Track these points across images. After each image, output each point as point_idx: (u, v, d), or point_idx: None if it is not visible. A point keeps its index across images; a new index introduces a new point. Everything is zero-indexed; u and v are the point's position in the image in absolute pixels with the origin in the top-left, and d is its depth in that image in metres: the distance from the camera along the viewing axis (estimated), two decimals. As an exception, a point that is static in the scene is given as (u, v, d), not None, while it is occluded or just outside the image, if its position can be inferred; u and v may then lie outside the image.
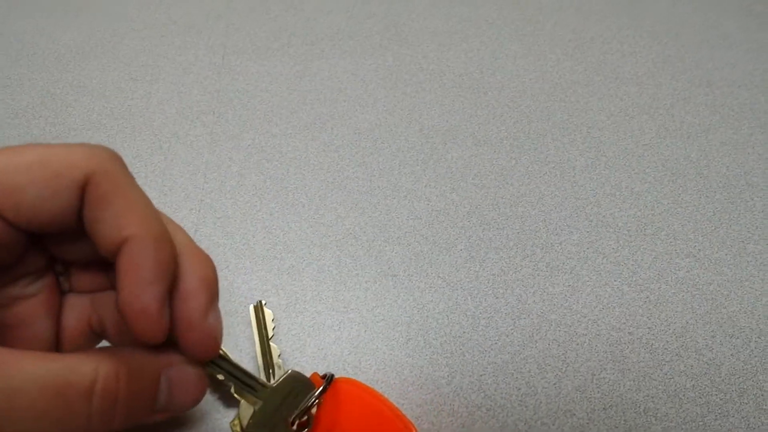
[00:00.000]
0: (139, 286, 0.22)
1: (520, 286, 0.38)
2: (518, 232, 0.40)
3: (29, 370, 0.20)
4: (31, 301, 0.26)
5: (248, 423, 0.28)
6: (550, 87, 0.51)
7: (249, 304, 0.36)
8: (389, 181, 0.44)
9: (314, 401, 0.29)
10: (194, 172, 0.45)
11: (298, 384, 0.29)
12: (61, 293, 0.27)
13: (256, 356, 0.33)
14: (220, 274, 0.35)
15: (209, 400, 0.33)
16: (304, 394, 0.29)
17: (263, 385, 0.29)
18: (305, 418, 0.29)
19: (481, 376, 0.34)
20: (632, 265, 0.39)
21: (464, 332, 0.35)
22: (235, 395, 0.30)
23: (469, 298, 0.37)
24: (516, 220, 0.41)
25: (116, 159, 0.23)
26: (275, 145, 0.47)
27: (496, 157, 0.46)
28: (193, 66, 0.53)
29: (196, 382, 0.25)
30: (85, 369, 0.21)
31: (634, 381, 0.34)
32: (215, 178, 0.45)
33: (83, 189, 0.22)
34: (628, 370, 0.34)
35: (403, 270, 0.39)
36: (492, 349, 0.35)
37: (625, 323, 0.36)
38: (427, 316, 0.36)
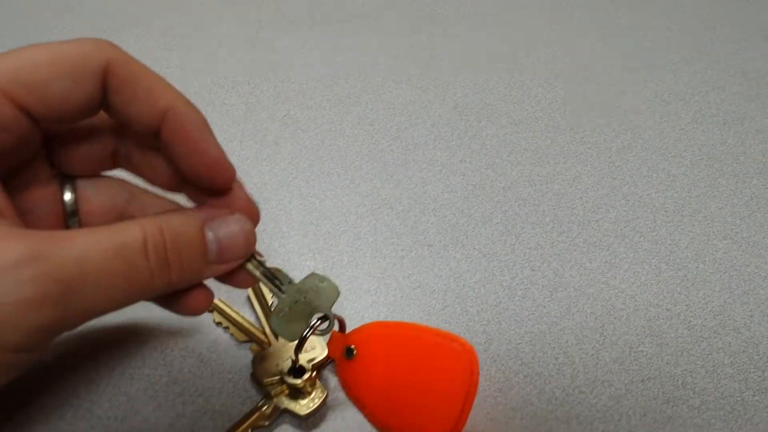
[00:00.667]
0: (202, 142, 0.25)
1: (557, 260, 0.38)
2: (554, 209, 0.40)
3: (87, 241, 0.21)
4: (43, 188, 0.27)
5: (272, 313, 0.29)
6: (585, 70, 0.51)
7: (287, 266, 0.36)
8: (424, 155, 0.44)
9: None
10: (230, 140, 0.45)
11: (320, 284, 0.30)
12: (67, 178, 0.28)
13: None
14: (258, 238, 0.35)
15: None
16: (324, 293, 0.30)
17: (290, 282, 0.29)
18: (325, 318, 0.30)
19: (518, 344, 0.34)
20: (669, 244, 0.39)
21: (500, 302, 0.35)
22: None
23: (505, 269, 0.37)
24: (552, 197, 0.41)
25: (119, 47, 0.24)
26: (310, 117, 0.47)
27: (531, 136, 0.45)
28: (228, 38, 0.53)
29: (240, 229, 0.26)
30: (133, 230, 0.23)
31: (672, 355, 0.33)
32: (251, 146, 0.45)
33: (104, 77, 0.23)
34: (666, 344, 0.34)
35: (438, 240, 0.39)
36: (529, 319, 0.35)
37: (662, 300, 0.36)
38: (463, 285, 0.36)
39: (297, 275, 0.34)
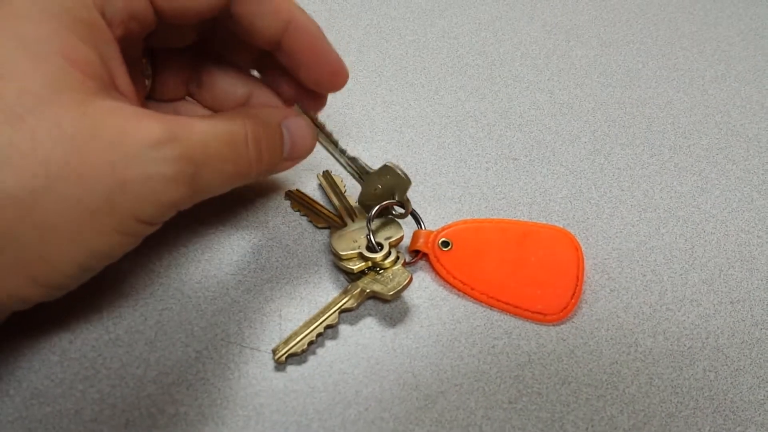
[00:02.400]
0: (324, 51, 0.28)
1: (647, 181, 0.37)
2: (645, 132, 0.39)
3: (205, 128, 0.24)
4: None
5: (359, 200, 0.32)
6: (678, 1, 0.49)
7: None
8: (510, 72, 0.43)
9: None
10: (313, 44, 0.44)
11: (392, 173, 0.31)
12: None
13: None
14: (342, 141, 0.36)
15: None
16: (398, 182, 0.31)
17: (367, 172, 0.32)
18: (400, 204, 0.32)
19: (605, 259, 0.33)
20: (762, 173, 0.37)
21: (587, 218, 0.35)
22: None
23: (593, 187, 0.36)
24: (643, 120, 0.40)
25: None
26: (394, 27, 0.46)
27: (622, 59, 0.44)
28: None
29: (308, 130, 0.29)
30: (238, 123, 0.25)
31: (761, 280, 0.33)
32: (334, 52, 0.44)
33: None
34: (756, 270, 0.33)
35: (524, 155, 0.38)
36: (617, 237, 0.34)
37: (754, 227, 0.35)
38: (549, 200, 0.36)
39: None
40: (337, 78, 0.29)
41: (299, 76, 0.29)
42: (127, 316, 0.30)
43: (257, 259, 0.32)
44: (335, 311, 0.30)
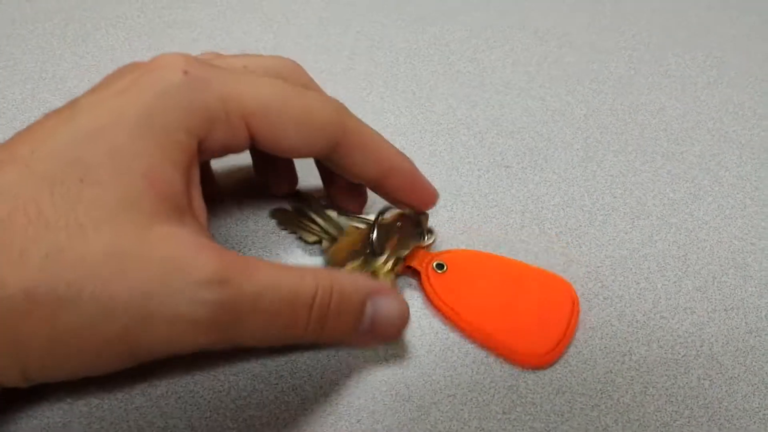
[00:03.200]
0: (421, 189, 0.30)
1: (640, 188, 0.37)
2: (637, 139, 0.39)
3: (268, 277, 0.22)
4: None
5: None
6: (670, 6, 0.49)
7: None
8: (501, 79, 0.43)
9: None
10: (304, 52, 0.45)
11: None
12: None
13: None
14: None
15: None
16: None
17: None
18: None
19: (597, 267, 0.33)
20: (755, 180, 0.37)
21: (580, 226, 0.35)
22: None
23: (585, 195, 0.36)
24: (635, 127, 0.40)
25: (351, 113, 0.28)
26: (385, 35, 0.46)
27: (614, 66, 0.44)
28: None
29: (400, 314, 0.26)
30: (309, 282, 0.23)
31: (756, 287, 0.33)
32: (324, 60, 0.44)
33: (336, 143, 0.26)
34: (750, 277, 0.33)
35: (516, 162, 0.38)
36: (610, 244, 0.34)
37: (747, 233, 0.35)
38: (541, 207, 0.35)
39: None
40: (429, 204, 0.31)
41: (393, 203, 0.31)
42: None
43: (247, 269, 0.32)
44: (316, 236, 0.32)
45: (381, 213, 0.31)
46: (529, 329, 0.29)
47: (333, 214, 0.34)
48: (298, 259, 0.33)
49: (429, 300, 0.31)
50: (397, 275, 0.32)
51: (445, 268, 0.31)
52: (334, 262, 0.30)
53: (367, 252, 0.31)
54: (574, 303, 0.30)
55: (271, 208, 0.34)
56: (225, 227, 0.34)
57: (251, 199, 0.35)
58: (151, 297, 0.20)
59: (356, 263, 0.30)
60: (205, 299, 0.20)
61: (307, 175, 0.34)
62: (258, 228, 0.34)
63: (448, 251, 0.32)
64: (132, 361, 0.22)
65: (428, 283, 0.31)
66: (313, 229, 0.33)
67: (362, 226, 0.32)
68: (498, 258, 0.32)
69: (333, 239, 0.32)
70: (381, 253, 0.31)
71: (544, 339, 0.29)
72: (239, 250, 0.33)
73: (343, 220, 0.33)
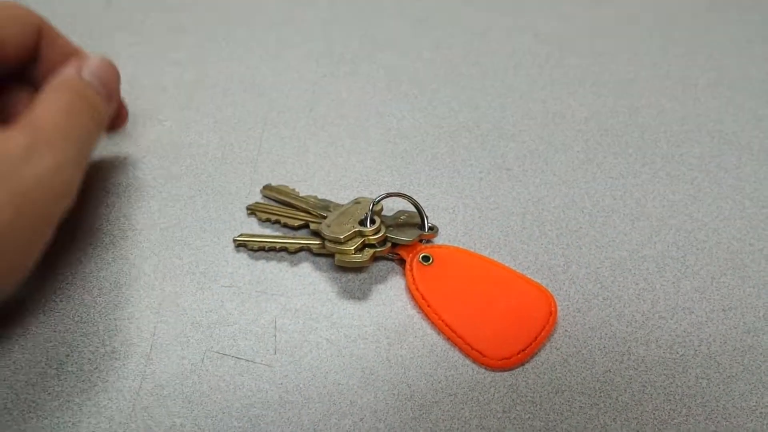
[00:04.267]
0: (107, 64, 0.32)
1: (639, 190, 0.37)
2: (638, 141, 0.40)
3: (48, 110, 0.28)
4: None
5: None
6: (670, 6, 0.49)
7: (363, 182, 0.37)
8: (503, 82, 0.43)
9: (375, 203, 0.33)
10: (307, 56, 0.45)
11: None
12: None
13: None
14: (336, 152, 0.39)
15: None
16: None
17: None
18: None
19: (597, 268, 0.33)
20: (754, 182, 0.38)
21: (581, 227, 0.35)
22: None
23: (586, 197, 0.37)
24: (635, 129, 0.40)
25: None
26: (388, 38, 0.47)
27: (615, 68, 0.45)
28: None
29: (103, 62, 0.31)
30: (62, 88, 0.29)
31: (754, 288, 0.33)
32: (327, 64, 0.45)
33: (40, 30, 0.31)
34: (749, 277, 0.33)
35: (517, 165, 0.38)
36: (610, 246, 0.34)
37: (746, 235, 0.35)
38: (542, 210, 0.36)
39: (375, 190, 0.37)
40: (123, 119, 0.36)
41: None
42: (123, 329, 0.30)
43: (252, 271, 0.33)
44: (297, 242, 0.33)
45: (383, 196, 0.33)
46: (495, 333, 0.30)
47: (312, 198, 0.36)
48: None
49: (408, 289, 0.32)
50: (382, 257, 0.33)
51: (431, 261, 0.32)
52: (337, 232, 0.31)
53: (360, 221, 0.32)
54: (551, 314, 0.31)
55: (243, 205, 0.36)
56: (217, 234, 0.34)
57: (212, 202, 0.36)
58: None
59: (351, 232, 0.32)
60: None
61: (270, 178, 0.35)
62: (241, 226, 0.34)
63: (438, 246, 0.33)
64: None
65: (410, 272, 0.32)
66: (297, 215, 0.35)
67: (360, 203, 0.34)
68: (486, 260, 0.33)
69: (322, 217, 0.34)
70: (373, 222, 0.32)
71: (507, 344, 0.30)
72: (245, 253, 0.33)
73: (323, 202, 0.36)
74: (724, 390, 0.29)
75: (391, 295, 0.32)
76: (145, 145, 0.38)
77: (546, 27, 0.47)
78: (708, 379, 0.29)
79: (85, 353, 0.29)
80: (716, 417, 0.28)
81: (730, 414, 0.28)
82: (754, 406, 0.29)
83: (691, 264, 0.34)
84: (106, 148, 0.38)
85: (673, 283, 0.33)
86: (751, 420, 0.28)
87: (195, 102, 0.41)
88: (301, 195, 0.35)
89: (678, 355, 0.30)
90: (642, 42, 0.47)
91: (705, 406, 0.29)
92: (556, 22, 0.48)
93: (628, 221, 0.35)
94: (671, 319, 0.31)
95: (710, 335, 0.31)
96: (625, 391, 0.29)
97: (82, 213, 0.35)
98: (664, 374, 0.30)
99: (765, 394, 0.29)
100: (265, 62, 0.44)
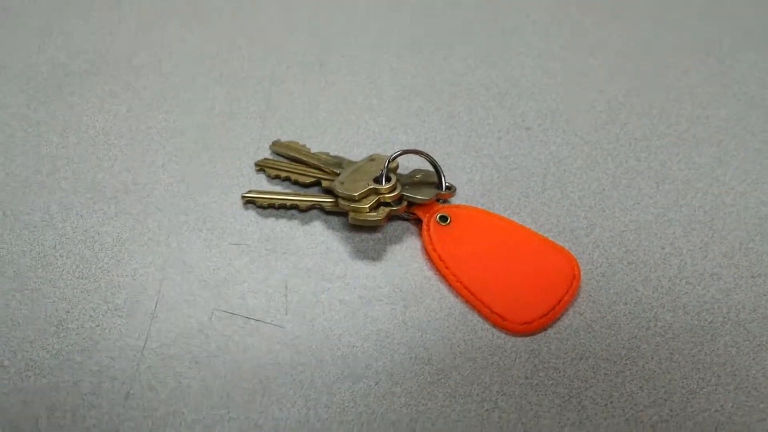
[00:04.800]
0: None
1: (664, 152, 0.35)
2: (662, 101, 0.38)
3: None
4: None
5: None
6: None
7: (377, 140, 0.35)
8: (522, 39, 0.42)
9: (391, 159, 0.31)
10: (318, 11, 0.43)
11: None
12: None
13: None
14: (348, 109, 0.36)
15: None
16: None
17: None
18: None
19: (622, 231, 0.32)
20: (783, 146, 0.36)
21: (604, 189, 0.34)
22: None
23: (609, 158, 0.35)
24: (660, 89, 0.39)
25: None
26: (401, -6, 0.44)
27: (636, 30, 0.43)
28: None
29: None
30: None
31: (784, 255, 0.31)
32: (339, 20, 0.43)
33: None
34: (779, 244, 0.32)
35: (537, 124, 0.37)
36: (634, 208, 0.33)
37: (775, 200, 0.33)
38: (564, 170, 0.34)
39: (388, 148, 0.35)
40: None
41: None
42: (126, 285, 0.28)
43: (261, 229, 0.31)
44: (309, 200, 0.32)
45: (399, 154, 0.32)
46: (516, 296, 0.29)
47: (323, 155, 0.34)
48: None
49: (424, 248, 0.30)
50: (397, 216, 0.32)
51: (448, 221, 0.31)
52: (351, 189, 0.30)
53: (375, 179, 0.31)
54: (575, 278, 0.29)
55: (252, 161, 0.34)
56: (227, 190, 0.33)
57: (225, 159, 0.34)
58: None
59: (366, 189, 0.30)
60: None
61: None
62: (249, 182, 0.33)
63: (456, 206, 0.32)
64: None
65: (427, 232, 0.30)
66: (308, 171, 0.33)
67: (375, 160, 0.33)
68: (506, 221, 0.32)
69: (335, 174, 0.32)
70: (389, 180, 0.31)
71: (529, 308, 0.29)
72: (255, 210, 0.32)
73: (335, 158, 0.34)
74: (754, 359, 0.28)
75: (406, 256, 0.30)
76: (149, 99, 0.36)
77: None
78: (737, 347, 0.28)
79: (86, 310, 0.28)
80: (746, 386, 0.27)
81: (760, 384, 0.27)
82: (788, 374, 0.27)
83: (719, 228, 0.32)
84: (107, 99, 0.36)
85: (701, 248, 0.31)
86: (785, 389, 0.27)
87: (200, 56, 0.39)
88: (312, 152, 0.34)
89: (706, 322, 0.29)
90: (664, 3, 0.45)
91: (735, 375, 0.27)
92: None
93: (653, 183, 0.34)
94: (699, 285, 0.30)
95: (739, 302, 0.30)
96: (652, 358, 0.28)
97: (82, 165, 0.33)
98: (692, 342, 0.28)
99: (800, 362, 0.28)
100: (273, 16, 0.42)
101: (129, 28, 0.39)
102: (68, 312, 0.28)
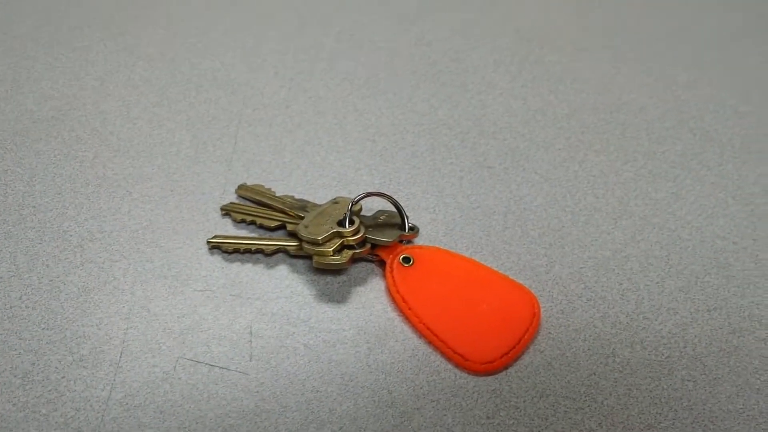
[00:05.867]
0: None
1: (621, 188, 0.36)
2: (619, 138, 0.39)
3: None
4: None
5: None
6: (653, 4, 0.49)
7: (342, 181, 0.36)
8: (483, 79, 0.43)
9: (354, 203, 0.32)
10: (284, 53, 0.44)
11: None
12: None
13: None
14: (313, 150, 0.37)
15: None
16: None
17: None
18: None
19: (581, 268, 0.33)
20: (737, 179, 0.37)
21: (563, 226, 0.34)
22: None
23: (568, 195, 0.36)
24: (617, 127, 0.40)
25: None
26: (366, 34, 0.46)
27: (596, 65, 0.44)
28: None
29: None
30: None
31: (738, 287, 0.32)
32: (305, 60, 0.43)
33: None
34: (733, 276, 0.33)
35: (498, 163, 0.38)
36: (592, 245, 0.34)
37: (729, 233, 0.35)
38: (524, 209, 0.35)
39: (353, 189, 0.36)
40: None
41: None
42: (91, 335, 0.29)
43: (226, 274, 0.31)
44: (273, 244, 0.32)
45: (362, 196, 0.32)
46: (478, 336, 0.29)
47: (288, 198, 0.35)
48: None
49: (387, 291, 0.31)
50: (361, 258, 0.32)
51: (411, 262, 0.31)
52: (315, 233, 0.31)
53: (338, 221, 0.31)
54: (534, 316, 0.30)
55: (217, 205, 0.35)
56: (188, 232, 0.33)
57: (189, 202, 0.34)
58: None
59: (329, 233, 0.31)
60: None
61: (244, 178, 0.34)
62: (215, 227, 0.33)
63: (419, 246, 0.32)
64: None
65: (390, 274, 0.31)
66: (273, 215, 0.34)
67: (338, 203, 0.33)
68: (468, 261, 0.32)
69: (299, 218, 0.33)
70: (352, 223, 0.31)
71: (490, 348, 0.29)
72: (219, 255, 0.32)
73: (300, 202, 0.35)
74: (710, 392, 0.29)
75: (371, 297, 0.31)
76: (115, 144, 0.37)
77: (527, 22, 0.47)
78: (694, 381, 0.29)
79: (51, 362, 0.28)
80: (703, 420, 0.28)
81: (716, 417, 0.28)
82: (741, 408, 0.28)
83: (675, 263, 0.33)
84: (74, 146, 0.36)
85: (657, 283, 0.32)
86: (738, 423, 0.28)
87: (167, 99, 0.40)
88: (277, 195, 0.34)
89: (663, 357, 0.30)
90: (623, 38, 0.46)
91: (692, 409, 0.28)
92: (538, 18, 0.47)
93: (610, 220, 0.35)
94: (656, 320, 0.31)
95: (695, 336, 0.30)
96: (611, 394, 0.28)
97: (48, 214, 0.33)
98: (650, 377, 0.29)
99: (751, 396, 0.28)
100: (239, 58, 0.43)
101: (96, 71, 0.39)
102: (34, 364, 0.28)
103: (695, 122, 0.40)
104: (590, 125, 0.40)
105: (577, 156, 0.38)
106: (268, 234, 0.33)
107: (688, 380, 0.29)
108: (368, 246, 0.31)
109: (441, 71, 0.43)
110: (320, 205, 0.33)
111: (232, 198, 0.35)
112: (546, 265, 0.33)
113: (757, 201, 0.36)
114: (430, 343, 0.29)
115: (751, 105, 0.42)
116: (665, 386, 0.29)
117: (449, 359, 0.29)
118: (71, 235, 0.33)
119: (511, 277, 0.32)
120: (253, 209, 0.34)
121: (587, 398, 0.28)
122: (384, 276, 0.31)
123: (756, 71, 0.44)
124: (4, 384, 0.27)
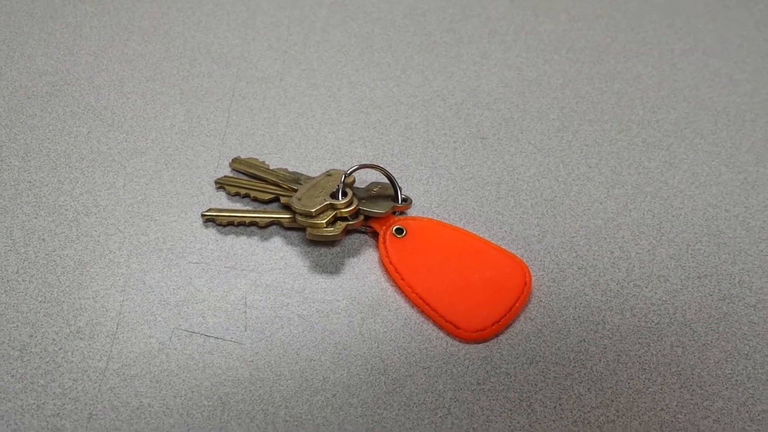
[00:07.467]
0: None
1: (615, 158, 0.36)
2: (613, 107, 0.39)
3: None
4: None
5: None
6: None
7: (335, 154, 0.36)
8: (478, 49, 0.43)
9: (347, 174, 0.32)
10: (277, 25, 0.44)
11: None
12: None
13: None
14: (307, 123, 0.36)
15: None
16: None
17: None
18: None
19: (572, 237, 0.33)
20: (730, 147, 0.37)
21: (555, 196, 0.35)
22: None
23: (561, 165, 0.36)
24: (611, 96, 0.40)
25: None
26: (359, 5, 0.45)
27: (591, 34, 0.44)
28: None
29: None
30: None
31: (729, 255, 0.33)
32: (299, 32, 0.43)
33: None
34: (724, 244, 0.33)
35: (492, 133, 0.38)
36: (585, 214, 0.34)
37: (721, 201, 0.35)
38: (517, 179, 0.35)
39: (347, 161, 0.36)
40: None
41: None
42: (88, 308, 0.29)
43: (221, 247, 0.32)
44: (267, 216, 0.32)
45: (355, 168, 0.33)
46: (469, 305, 0.30)
47: (282, 171, 0.35)
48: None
49: (381, 262, 0.31)
50: (354, 229, 0.33)
51: (404, 233, 0.31)
52: (308, 205, 0.31)
53: (331, 194, 0.32)
54: (526, 285, 0.30)
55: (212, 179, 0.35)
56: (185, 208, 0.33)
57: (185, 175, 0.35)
58: None
59: (323, 205, 0.31)
60: None
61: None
62: (209, 200, 0.34)
63: (412, 218, 0.33)
64: None
65: (383, 245, 0.31)
66: (267, 188, 0.34)
67: (332, 175, 0.33)
68: (460, 231, 0.32)
69: (293, 190, 0.33)
70: (345, 195, 0.31)
71: (481, 316, 0.30)
72: (212, 227, 0.33)
73: (293, 174, 0.35)
74: (699, 358, 0.29)
75: (364, 268, 0.31)
76: (110, 119, 0.37)
77: (521, -8, 0.46)
78: (683, 347, 0.29)
79: (48, 333, 0.28)
80: (691, 385, 0.28)
81: (705, 382, 0.28)
82: (729, 373, 0.28)
83: (667, 231, 0.33)
84: (68, 121, 0.37)
85: (649, 251, 0.32)
86: (726, 388, 0.28)
87: (160, 73, 0.40)
88: (271, 168, 0.34)
89: (653, 324, 0.30)
90: (618, 7, 0.46)
91: (680, 374, 0.28)
92: (531, -13, 0.47)
93: (603, 189, 0.35)
94: (646, 288, 0.31)
95: (685, 303, 0.31)
96: (600, 360, 0.29)
97: (43, 189, 0.33)
98: (639, 343, 0.29)
99: (740, 361, 0.29)
100: (233, 31, 0.43)
101: (90, 46, 0.39)
102: (31, 336, 0.29)
103: (690, 91, 0.40)
104: (584, 95, 0.40)
105: (571, 126, 0.38)
106: (262, 206, 0.33)
107: (677, 346, 0.29)
108: (361, 218, 0.32)
109: (435, 42, 0.43)
110: (313, 178, 0.33)
111: (226, 171, 0.35)
112: (538, 234, 0.33)
113: (749, 169, 0.36)
114: (422, 312, 0.30)
115: (745, 73, 0.42)
116: (654, 352, 0.29)
117: (441, 328, 0.29)
118: (67, 210, 0.33)
119: (503, 247, 0.32)
120: (247, 182, 0.34)
121: (577, 364, 0.29)
122: (377, 247, 0.32)
123: (751, 40, 0.44)
124: (3, 356, 0.28)
